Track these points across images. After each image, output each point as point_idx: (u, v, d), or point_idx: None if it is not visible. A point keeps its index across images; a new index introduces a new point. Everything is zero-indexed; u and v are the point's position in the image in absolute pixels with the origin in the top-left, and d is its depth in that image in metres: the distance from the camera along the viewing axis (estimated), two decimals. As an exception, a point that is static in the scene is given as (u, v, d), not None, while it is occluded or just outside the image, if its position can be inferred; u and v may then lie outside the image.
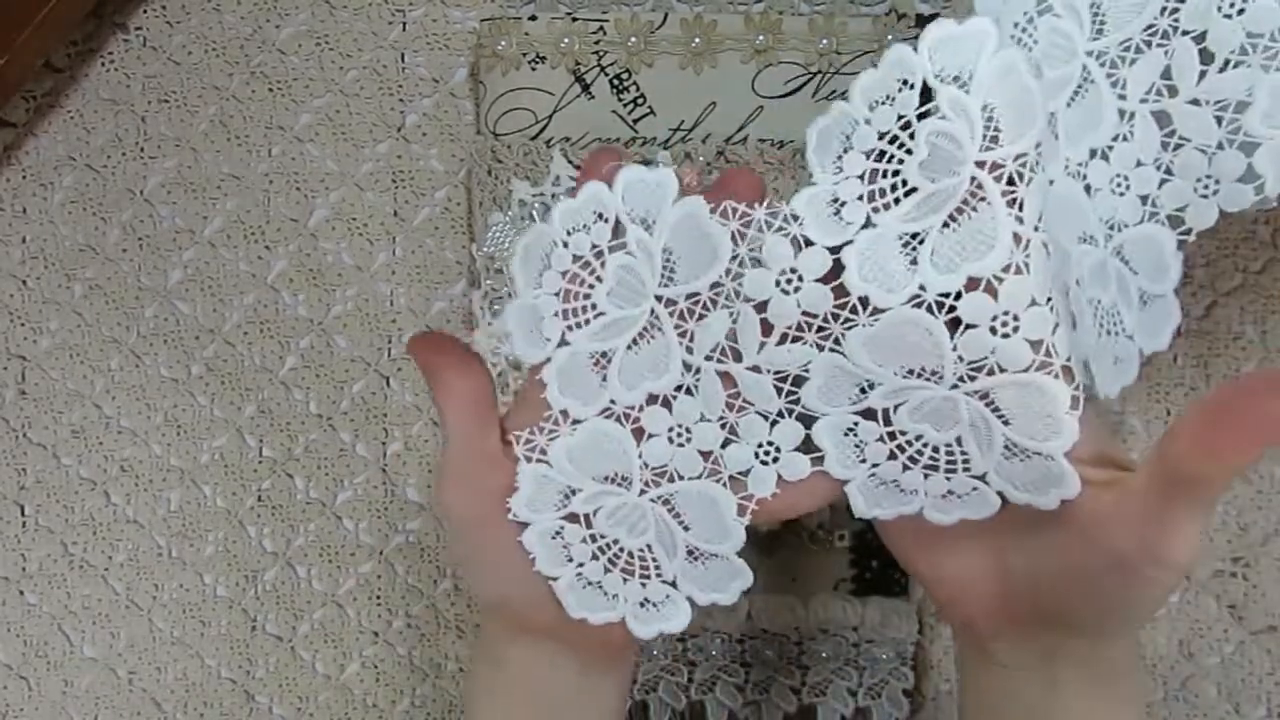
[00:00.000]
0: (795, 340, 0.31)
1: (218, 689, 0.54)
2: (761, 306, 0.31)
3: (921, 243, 0.30)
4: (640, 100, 0.48)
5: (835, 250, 0.30)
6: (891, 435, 0.32)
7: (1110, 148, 0.35)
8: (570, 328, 0.33)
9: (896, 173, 0.30)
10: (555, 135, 0.48)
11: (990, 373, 0.30)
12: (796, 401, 0.32)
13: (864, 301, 0.30)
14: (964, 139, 0.29)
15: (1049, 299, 0.29)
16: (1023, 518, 0.32)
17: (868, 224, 0.30)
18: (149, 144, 0.52)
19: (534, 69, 0.48)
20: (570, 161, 0.48)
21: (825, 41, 0.47)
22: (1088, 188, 0.35)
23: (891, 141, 0.30)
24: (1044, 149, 0.30)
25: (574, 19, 0.48)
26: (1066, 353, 0.30)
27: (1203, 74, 0.34)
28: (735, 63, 0.48)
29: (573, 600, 0.35)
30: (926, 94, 0.30)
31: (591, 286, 0.33)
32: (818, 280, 0.30)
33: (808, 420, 0.33)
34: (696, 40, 0.47)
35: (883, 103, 0.30)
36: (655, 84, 0.48)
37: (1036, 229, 0.29)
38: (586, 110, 0.48)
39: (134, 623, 0.54)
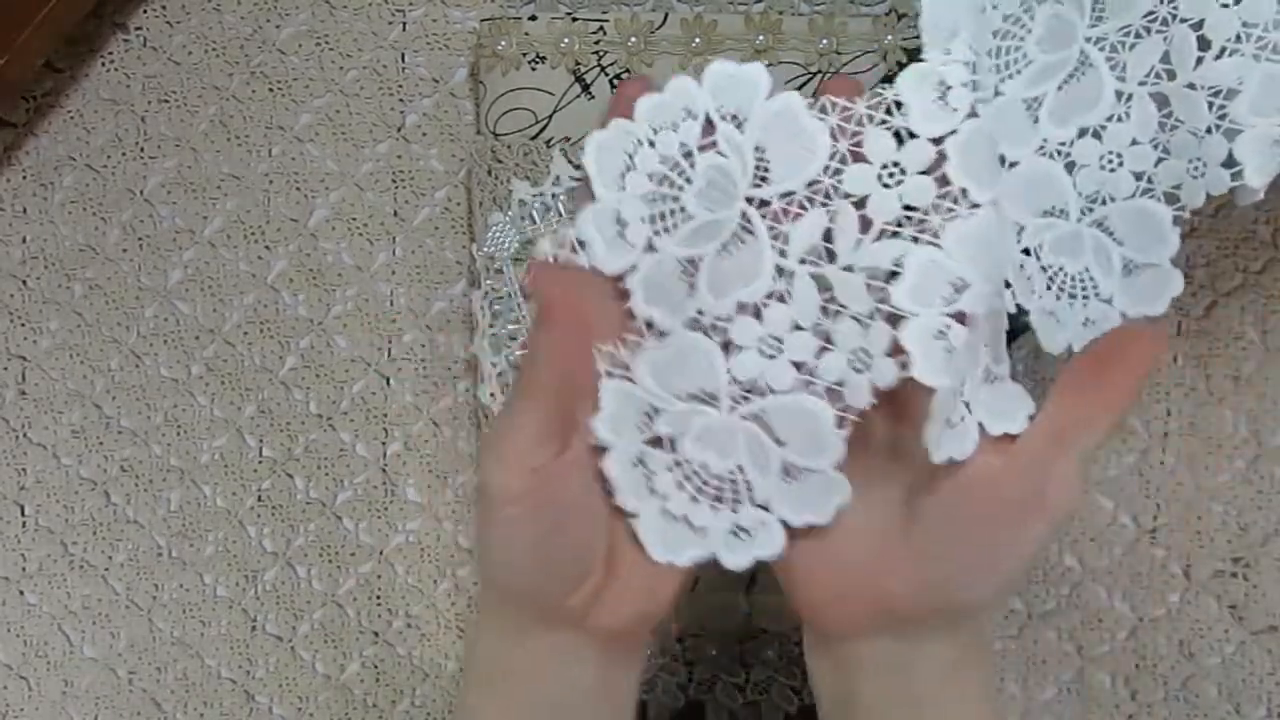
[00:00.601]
0: (893, 236, 0.30)
1: (218, 689, 0.54)
2: (861, 203, 0.30)
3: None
4: (640, 100, 0.48)
5: (938, 141, 0.30)
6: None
7: (1104, 127, 0.37)
8: (657, 233, 0.31)
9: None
10: (555, 135, 0.48)
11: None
12: (885, 302, 0.30)
13: (964, 192, 0.30)
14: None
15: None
16: (904, 500, 0.33)
17: (970, 114, 0.30)
18: (149, 144, 0.52)
19: (534, 69, 0.48)
20: (570, 161, 0.47)
21: (825, 41, 0.47)
22: (1070, 165, 0.37)
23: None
24: (1004, 137, 0.33)
25: (574, 19, 0.48)
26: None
27: (1199, 60, 0.36)
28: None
29: (656, 540, 0.33)
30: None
31: (680, 189, 0.31)
32: (921, 173, 0.30)
33: (894, 321, 0.31)
34: (696, 40, 0.47)
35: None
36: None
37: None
38: (586, 110, 0.48)
39: (134, 623, 0.54)
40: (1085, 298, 0.38)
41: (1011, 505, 0.32)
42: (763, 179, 0.31)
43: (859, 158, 0.30)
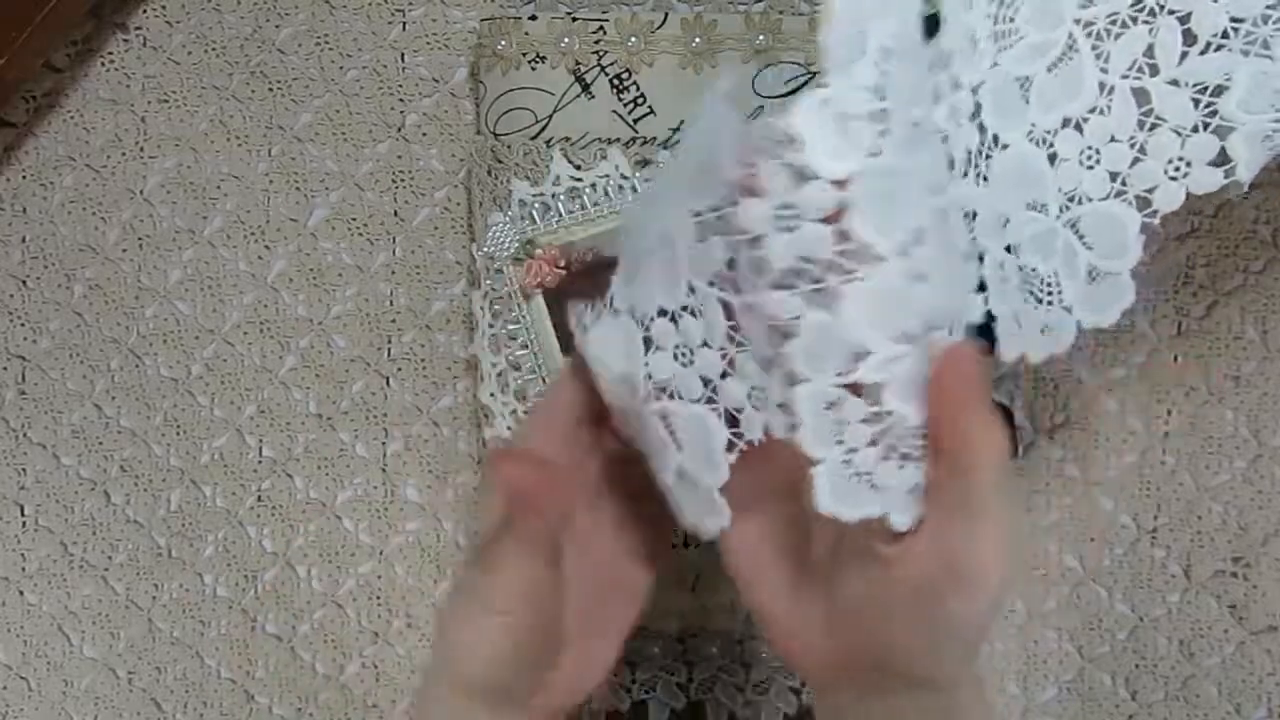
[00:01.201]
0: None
1: (218, 689, 0.54)
2: (755, 241, 0.28)
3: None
4: (640, 100, 0.48)
5: (840, 184, 0.27)
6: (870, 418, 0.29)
7: (1085, 119, 0.35)
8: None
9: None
10: (555, 135, 0.48)
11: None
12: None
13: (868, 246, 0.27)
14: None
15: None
16: (844, 559, 0.31)
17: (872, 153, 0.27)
18: (149, 144, 0.52)
19: (534, 69, 0.48)
20: (570, 161, 0.47)
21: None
22: (1053, 156, 0.35)
23: None
24: (998, 113, 0.32)
25: (574, 19, 0.48)
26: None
27: (1184, 55, 0.35)
28: (735, 63, 0.48)
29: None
30: None
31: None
32: None
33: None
34: (696, 40, 0.47)
35: None
36: (655, 84, 0.48)
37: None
38: (586, 110, 0.48)
39: (134, 623, 0.54)
40: (1049, 303, 0.36)
41: (921, 588, 0.29)
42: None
43: (752, 192, 0.28)
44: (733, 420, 0.31)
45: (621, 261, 0.33)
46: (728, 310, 0.30)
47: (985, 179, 0.36)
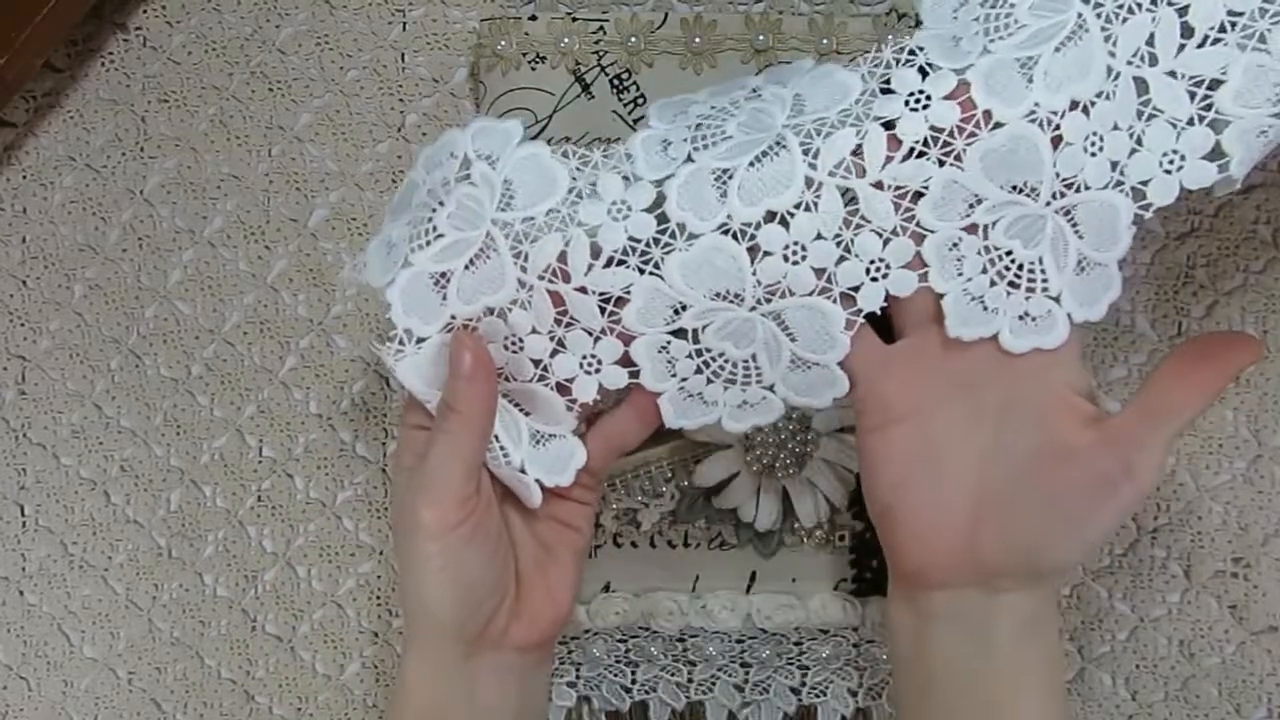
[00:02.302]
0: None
1: (218, 689, 0.54)
2: (593, 231, 0.36)
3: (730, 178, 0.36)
4: (640, 100, 0.48)
5: (658, 183, 0.36)
6: (699, 352, 0.37)
7: (1093, 103, 0.35)
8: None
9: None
10: (555, 135, 0.48)
11: (782, 295, 0.36)
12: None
13: (681, 227, 0.36)
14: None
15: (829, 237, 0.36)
16: (1005, 454, 0.36)
17: (688, 159, 0.36)
18: (149, 144, 0.52)
19: (534, 69, 0.48)
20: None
21: (825, 41, 0.47)
22: (1058, 139, 0.35)
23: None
24: (992, 92, 0.34)
25: (574, 19, 0.48)
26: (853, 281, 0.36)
27: (1181, 47, 0.35)
28: (735, 63, 0.48)
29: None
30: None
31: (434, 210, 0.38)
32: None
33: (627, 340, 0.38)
34: (696, 40, 0.47)
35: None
36: (655, 84, 0.48)
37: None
38: (586, 110, 0.48)
39: (134, 623, 0.54)
40: (1030, 290, 0.36)
41: (1103, 478, 0.35)
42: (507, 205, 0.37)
43: (595, 194, 0.36)
44: (563, 389, 0.39)
45: (400, 289, 0.38)
46: (554, 298, 0.37)
47: (958, 160, 0.35)
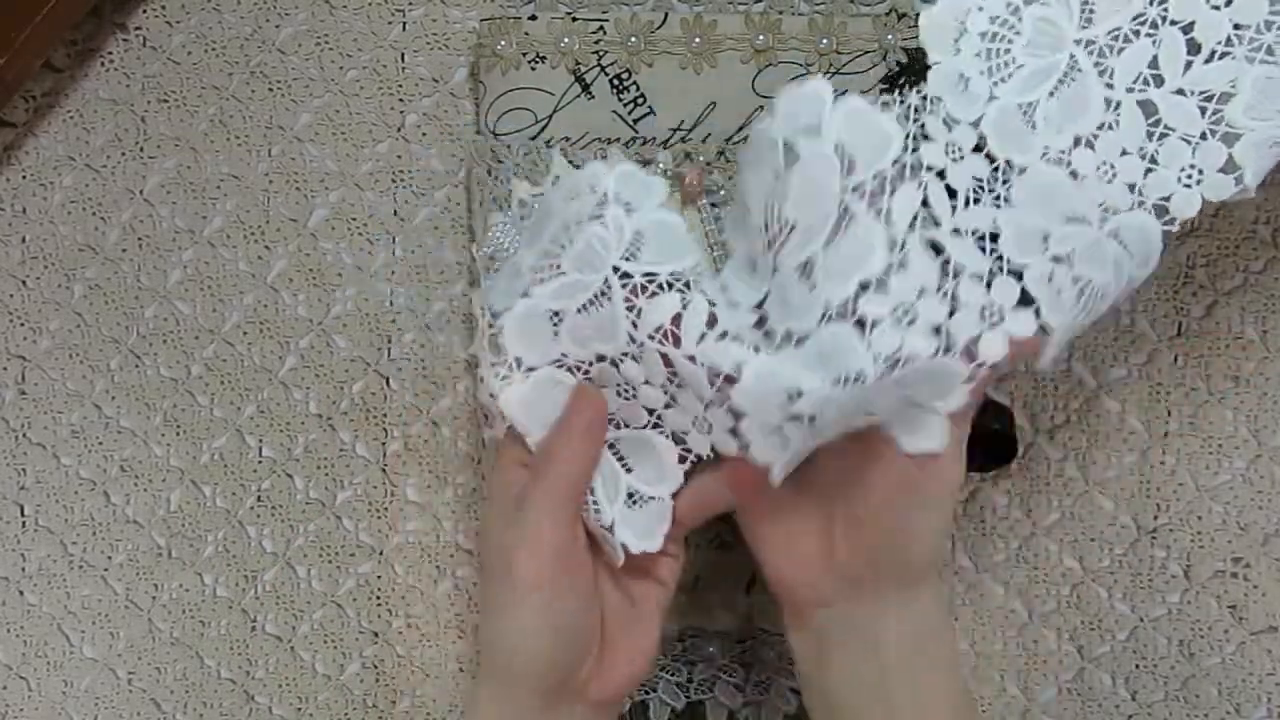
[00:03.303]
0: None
1: (218, 689, 0.54)
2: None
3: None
4: (640, 100, 0.48)
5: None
6: (815, 434, 0.35)
7: (1096, 136, 0.36)
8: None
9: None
10: (555, 135, 0.48)
11: (904, 364, 0.34)
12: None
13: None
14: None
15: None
16: (846, 472, 0.37)
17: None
18: (149, 144, 0.52)
19: (534, 69, 0.48)
20: (570, 162, 0.47)
21: (825, 41, 0.47)
22: (1073, 174, 0.36)
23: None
24: (1005, 141, 0.35)
25: (574, 19, 0.48)
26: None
27: (1189, 64, 0.35)
28: (735, 63, 0.48)
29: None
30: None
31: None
32: None
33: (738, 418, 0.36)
34: (696, 40, 0.47)
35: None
36: (655, 84, 0.48)
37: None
38: (586, 110, 0.48)
39: (134, 623, 0.54)
40: (1095, 311, 0.36)
41: (903, 476, 0.36)
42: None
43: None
44: (677, 439, 0.37)
45: (516, 318, 0.37)
46: (665, 360, 0.35)
47: (1007, 200, 0.35)
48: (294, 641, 0.54)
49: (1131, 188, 0.36)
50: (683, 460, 0.37)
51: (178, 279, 0.52)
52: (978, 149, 0.36)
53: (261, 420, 0.53)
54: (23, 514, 0.54)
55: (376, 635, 0.54)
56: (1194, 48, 0.35)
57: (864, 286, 0.33)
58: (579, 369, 0.37)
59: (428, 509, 0.53)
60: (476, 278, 0.49)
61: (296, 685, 0.54)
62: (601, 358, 0.36)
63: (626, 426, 0.37)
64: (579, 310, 0.36)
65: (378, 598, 0.54)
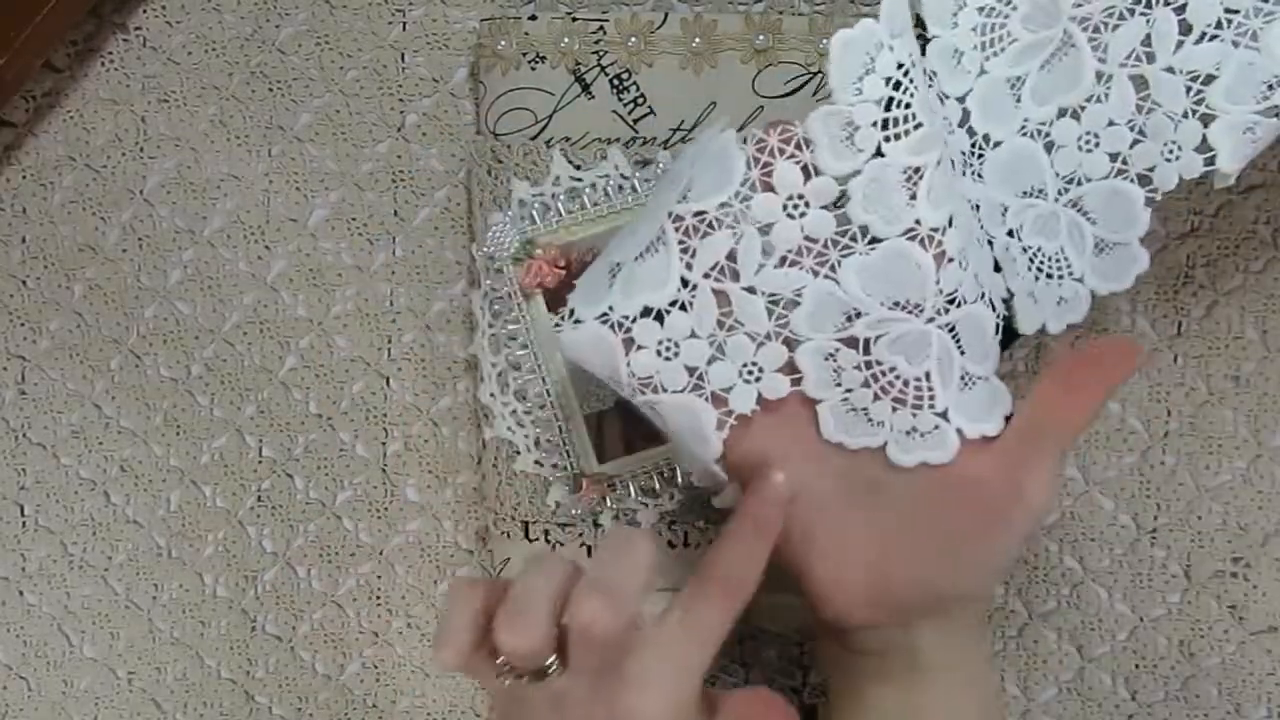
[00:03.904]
0: (793, 265, 0.34)
1: (218, 689, 0.54)
2: (766, 229, 0.33)
3: (921, 177, 0.33)
4: (640, 100, 0.48)
5: (843, 180, 0.32)
6: (868, 364, 0.34)
7: (1082, 108, 0.38)
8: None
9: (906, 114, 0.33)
10: (555, 135, 0.48)
11: (959, 305, 0.34)
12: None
13: (864, 230, 0.33)
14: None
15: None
16: (897, 503, 0.35)
17: (877, 153, 0.32)
18: (149, 144, 0.52)
19: (534, 69, 0.48)
20: (570, 161, 0.47)
21: (825, 41, 0.47)
22: (1050, 145, 0.38)
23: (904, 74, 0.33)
24: (988, 116, 0.36)
25: (574, 19, 0.48)
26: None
27: (1179, 44, 0.36)
28: (735, 63, 0.48)
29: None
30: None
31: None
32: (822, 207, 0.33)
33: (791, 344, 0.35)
34: (696, 40, 0.47)
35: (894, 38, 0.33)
36: (655, 84, 0.48)
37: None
38: (586, 110, 0.48)
39: (134, 623, 0.54)
40: (1060, 277, 0.39)
41: (993, 505, 0.34)
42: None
43: (768, 188, 0.33)
44: (719, 400, 0.35)
45: (587, 275, 0.36)
46: (719, 298, 0.34)
47: (980, 176, 0.38)
48: (294, 641, 0.54)
49: (1113, 157, 0.38)
50: (721, 426, 0.36)
51: (178, 279, 0.52)
52: (962, 124, 0.38)
53: (261, 420, 0.53)
54: (23, 514, 0.54)
55: (376, 635, 0.54)
56: (1185, 28, 0.36)
57: (950, 220, 0.34)
58: (620, 325, 0.35)
59: (428, 509, 0.53)
60: (476, 278, 0.49)
61: (296, 685, 0.54)
62: (646, 312, 0.35)
63: (664, 391, 0.36)
64: (636, 258, 0.35)
65: (378, 598, 0.54)
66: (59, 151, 0.52)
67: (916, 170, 0.32)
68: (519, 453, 0.48)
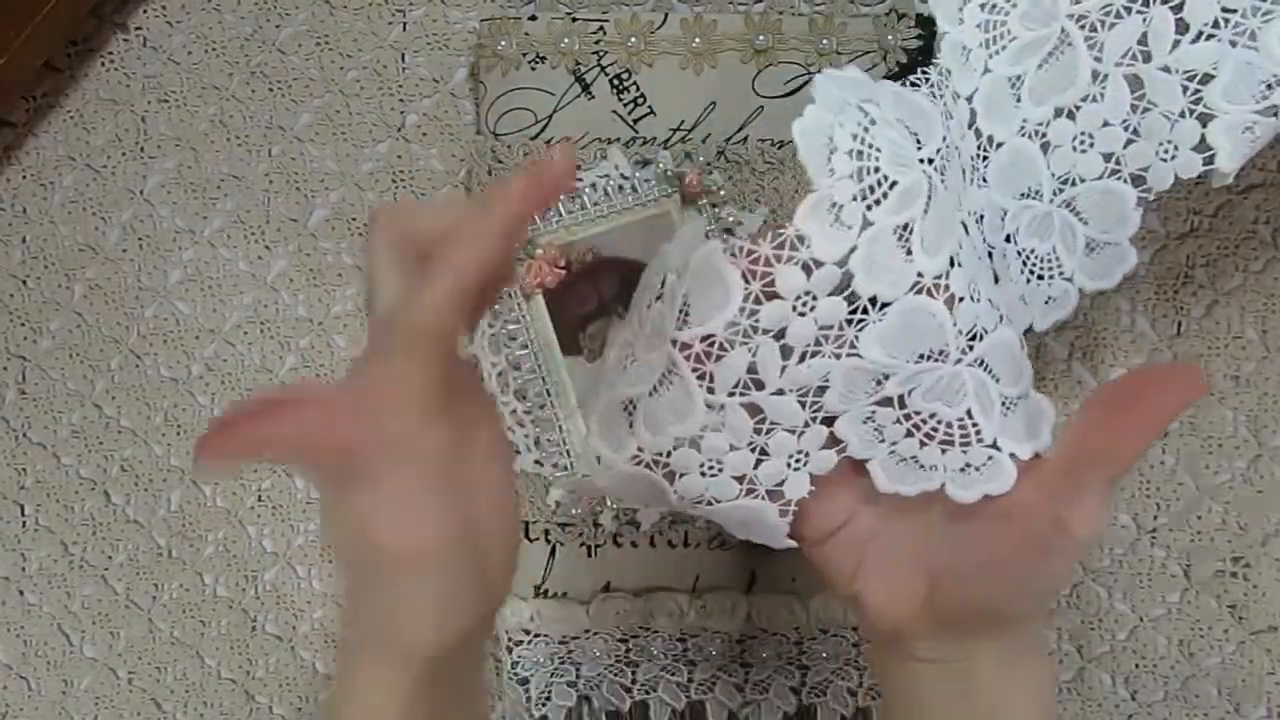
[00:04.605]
0: (814, 356, 0.33)
1: (218, 689, 0.54)
2: (780, 334, 0.33)
3: (911, 231, 0.32)
4: (640, 100, 0.48)
5: (842, 263, 0.32)
6: (907, 416, 0.34)
7: (1078, 107, 0.37)
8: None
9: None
10: (555, 135, 0.48)
11: (981, 338, 0.33)
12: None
13: (873, 300, 0.32)
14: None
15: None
16: (946, 523, 0.35)
17: (865, 224, 0.31)
18: (149, 144, 0.52)
19: (534, 69, 0.48)
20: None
21: (825, 41, 0.47)
22: (1045, 145, 0.38)
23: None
24: (991, 116, 0.36)
25: (574, 19, 0.48)
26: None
27: (1176, 43, 0.36)
28: (735, 63, 0.48)
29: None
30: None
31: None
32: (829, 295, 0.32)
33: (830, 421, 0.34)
34: (696, 40, 0.47)
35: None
36: (655, 84, 0.48)
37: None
38: (586, 110, 0.48)
39: (134, 623, 0.54)
40: (1050, 277, 0.39)
41: (1039, 535, 0.33)
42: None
43: (772, 296, 0.32)
44: (775, 495, 0.35)
45: (600, 416, 0.36)
46: (750, 410, 0.34)
47: (985, 180, 0.38)
48: (294, 641, 0.54)
49: (1107, 157, 0.38)
50: (783, 514, 0.36)
51: (178, 279, 0.52)
52: (970, 125, 0.38)
53: (261, 420, 0.53)
54: (23, 514, 0.54)
55: (376, 635, 0.54)
56: (1182, 27, 0.36)
57: (951, 262, 0.33)
58: (656, 463, 0.35)
59: (428, 509, 0.53)
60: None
61: (296, 685, 0.54)
62: (680, 442, 0.34)
63: (718, 503, 0.35)
64: (651, 393, 0.34)
65: (378, 598, 0.54)
66: (59, 151, 0.52)
67: (905, 226, 0.32)
68: (519, 453, 0.48)
